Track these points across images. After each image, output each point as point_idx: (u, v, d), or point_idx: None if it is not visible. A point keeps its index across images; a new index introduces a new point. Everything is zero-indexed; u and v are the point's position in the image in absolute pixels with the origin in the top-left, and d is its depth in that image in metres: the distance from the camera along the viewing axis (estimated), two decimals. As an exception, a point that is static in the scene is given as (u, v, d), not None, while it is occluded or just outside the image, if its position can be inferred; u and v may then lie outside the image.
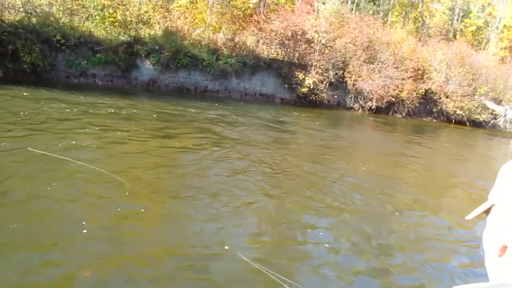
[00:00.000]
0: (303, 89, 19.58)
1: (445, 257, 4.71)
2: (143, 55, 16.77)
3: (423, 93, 22.88)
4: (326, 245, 4.40)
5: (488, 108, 25.12)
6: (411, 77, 22.15)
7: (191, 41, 18.27)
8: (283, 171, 7.18)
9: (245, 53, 19.00)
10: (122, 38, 16.83)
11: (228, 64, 18.26)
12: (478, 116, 24.61)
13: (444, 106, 23.67)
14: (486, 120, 25.06)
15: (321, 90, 19.97)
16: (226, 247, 3.91)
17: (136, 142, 7.56)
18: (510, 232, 0.81)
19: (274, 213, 5.12)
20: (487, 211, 0.91)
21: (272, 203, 5.41)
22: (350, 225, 5.07)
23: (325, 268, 3.87)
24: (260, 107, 16.87)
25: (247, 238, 4.30)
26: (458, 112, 23.81)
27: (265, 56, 19.67)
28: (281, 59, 20.04)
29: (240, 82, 18.92)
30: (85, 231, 3.82)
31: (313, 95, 19.88)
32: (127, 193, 4.85)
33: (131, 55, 16.56)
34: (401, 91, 21.82)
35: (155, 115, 10.88)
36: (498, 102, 25.53)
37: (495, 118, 25.64)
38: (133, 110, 10.96)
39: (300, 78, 19.47)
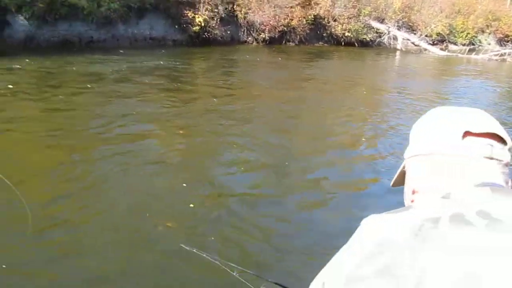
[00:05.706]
0: (194, 28, 19.33)
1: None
2: (14, 10, 15.33)
3: (313, 19, 23.67)
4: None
5: (372, 28, 26.81)
6: (299, 4, 22.71)
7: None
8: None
9: (128, -4, 18.08)
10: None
11: (112, 10, 17.33)
12: (364, 36, 26.22)
13: (333, 30, 24.81)
14: (372, 39, 26.83)
15: (213, 26, 19.88)
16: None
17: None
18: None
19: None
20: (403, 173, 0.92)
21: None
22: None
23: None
24: (152, 52, 16.50)
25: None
26: (347, 34, 25.13)
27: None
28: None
29: (128, 27, 18.15)
30: None
31: (205, 33, 19.75)
32: None
33: (-2, 10, 15.05)
34: (292, 19, 22.40)
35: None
36: (381, 21, 27.30)
37: (380, 36, 27.52)
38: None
39: (190, 17, 19.13)
